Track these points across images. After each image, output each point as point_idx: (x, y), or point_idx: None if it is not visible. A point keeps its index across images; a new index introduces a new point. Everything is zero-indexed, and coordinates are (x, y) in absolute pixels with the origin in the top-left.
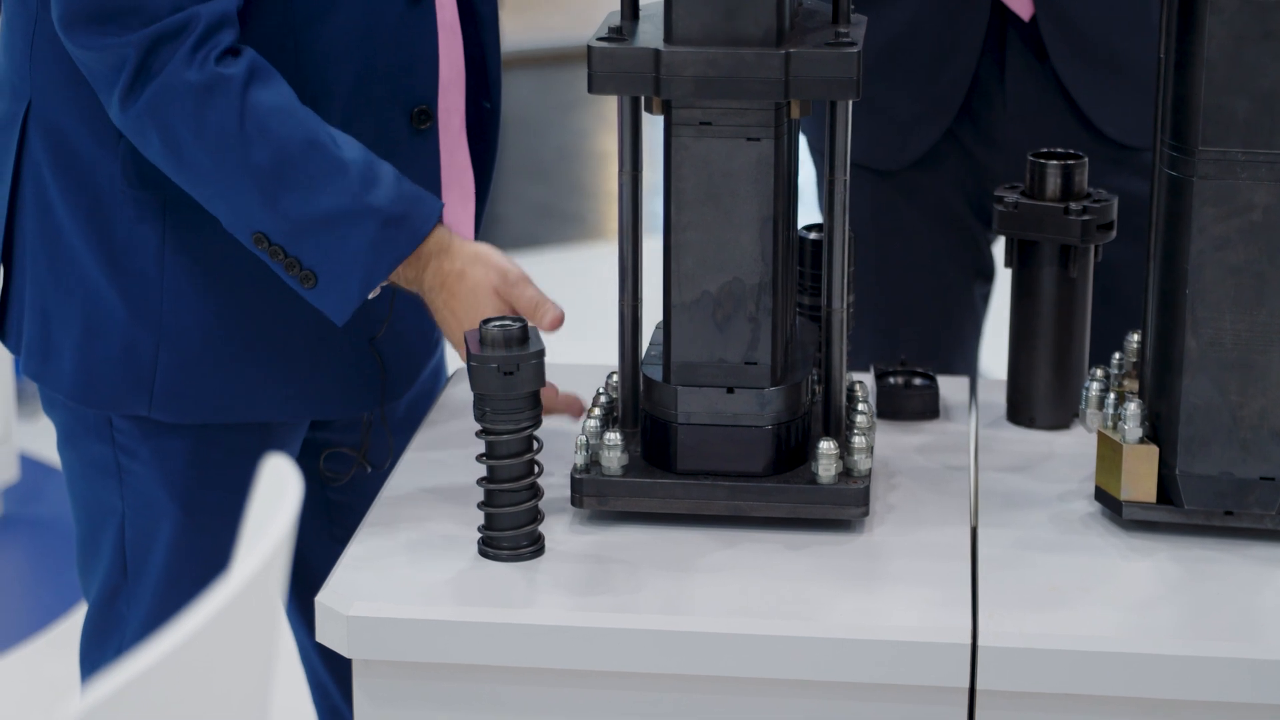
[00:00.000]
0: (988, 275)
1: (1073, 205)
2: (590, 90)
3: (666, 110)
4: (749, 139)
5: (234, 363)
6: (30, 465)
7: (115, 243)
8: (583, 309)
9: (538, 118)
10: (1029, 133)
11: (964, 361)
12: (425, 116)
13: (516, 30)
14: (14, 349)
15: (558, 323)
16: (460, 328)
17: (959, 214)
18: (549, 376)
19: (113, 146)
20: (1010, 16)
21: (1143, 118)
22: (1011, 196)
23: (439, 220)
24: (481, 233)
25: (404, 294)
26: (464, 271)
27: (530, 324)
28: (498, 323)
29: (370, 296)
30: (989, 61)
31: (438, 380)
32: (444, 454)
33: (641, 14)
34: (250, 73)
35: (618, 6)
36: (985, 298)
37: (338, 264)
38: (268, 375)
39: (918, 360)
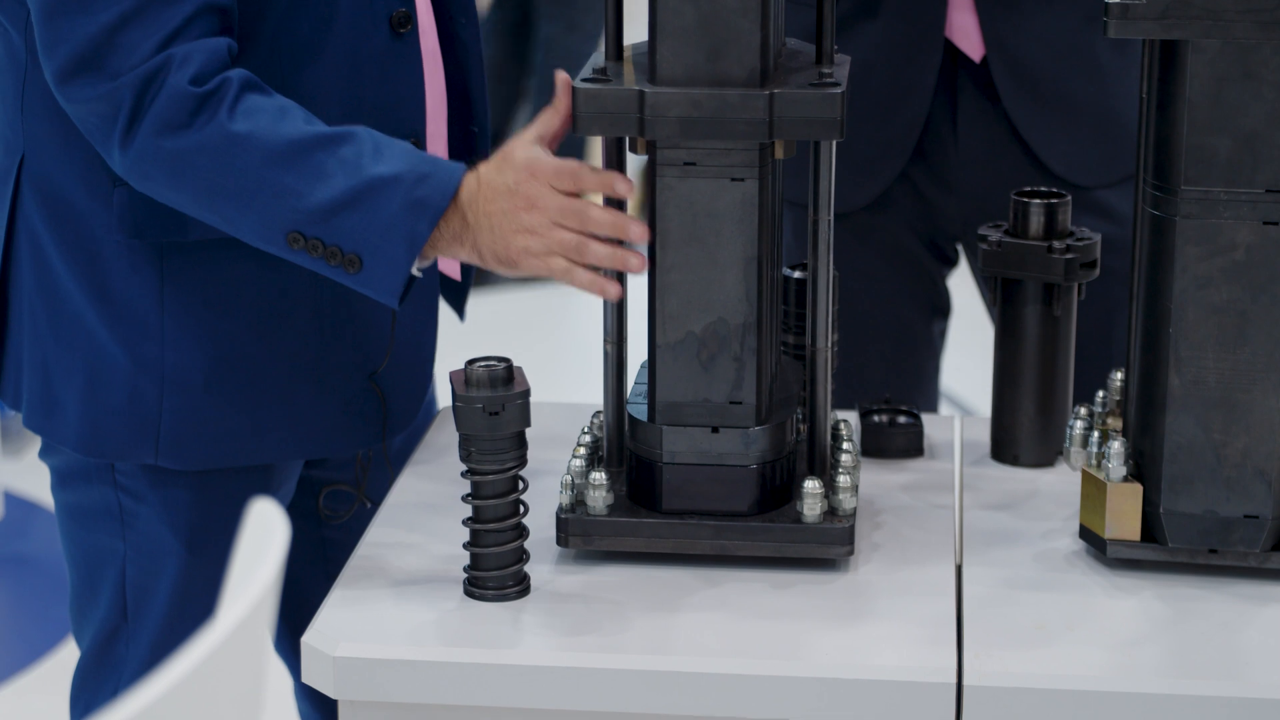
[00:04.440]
0: (944, 312)
1: (1056, 244)
2: (575, 132)
3: (651, 151)
4: (733, 179)
5: (237, 407)
6: (14, 503)
7: (113, 293)
8: (572, 347)
9: None
10: (981, 173)
11: (924, 398)
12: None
13: None
14: (13, 404)
15: (583, 178)
16: (505, 245)
17: (914, 253)
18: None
19: (106, 196)
20: (961, 58)
21: (1093, 157)
22: (995, 235)
23: (467, 171)
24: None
25: (402, 328)
26: (494, 188)
27: (516, 365)
28: (483, 363)
29: (421, 267)
30: (941, 103)
31: (429, 416)
32: (431, 492)
33: (627, 55)
34: (242, 85)
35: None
36: (942, 334)
37: (377, 237)
38: (271, 417)
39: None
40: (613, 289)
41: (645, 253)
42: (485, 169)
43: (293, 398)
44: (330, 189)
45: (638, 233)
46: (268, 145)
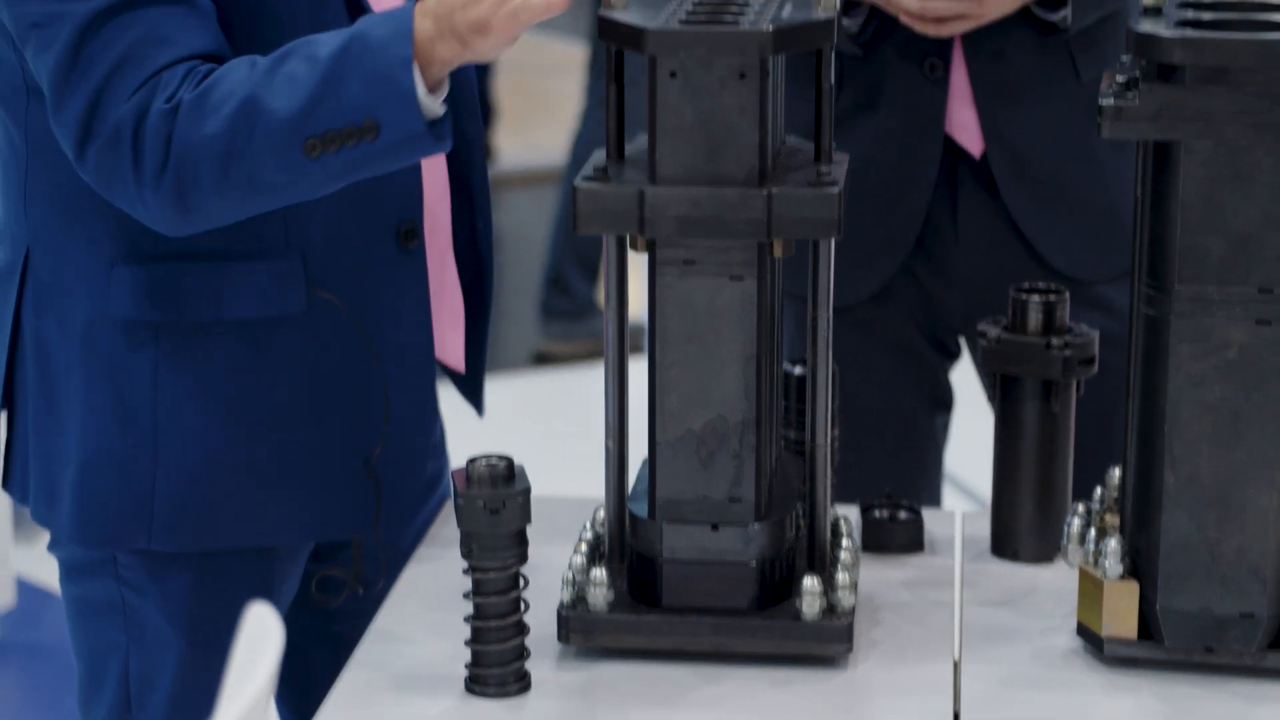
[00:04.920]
0: (946, 405)
1: (1054, 340)
2: (575, 230)
3: (651, 249)
4: (732, 277)
5: (232, 487)
6: (27, 590)
7: (107, 374)
8: (575, 438)
9: (537, 236)
10: (982, 267)
11: (927, 491)
12: (412, 235)
13: (514, 149)
14: (20, 498)
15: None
16: (477, 12)
17: (915, 346)
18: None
19: (105, 276)
20: (961, 153)
21: (1093, 252)
22: (994, 331)
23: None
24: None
25: (398, 414)
26: None
27: (518, 463)
28: (484, 460)
29: (434, 91)
30: (941, 197)
31: (441, 505)
32: (436, 585)
33: (627, 154)
34: (200, 74)
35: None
36: (945, 427)
37: (374, 87)
38: (267, 498)
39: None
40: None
41: None
42: None
43: (289, 478)
44: (307, 85)
45: None
46: (235, 95)
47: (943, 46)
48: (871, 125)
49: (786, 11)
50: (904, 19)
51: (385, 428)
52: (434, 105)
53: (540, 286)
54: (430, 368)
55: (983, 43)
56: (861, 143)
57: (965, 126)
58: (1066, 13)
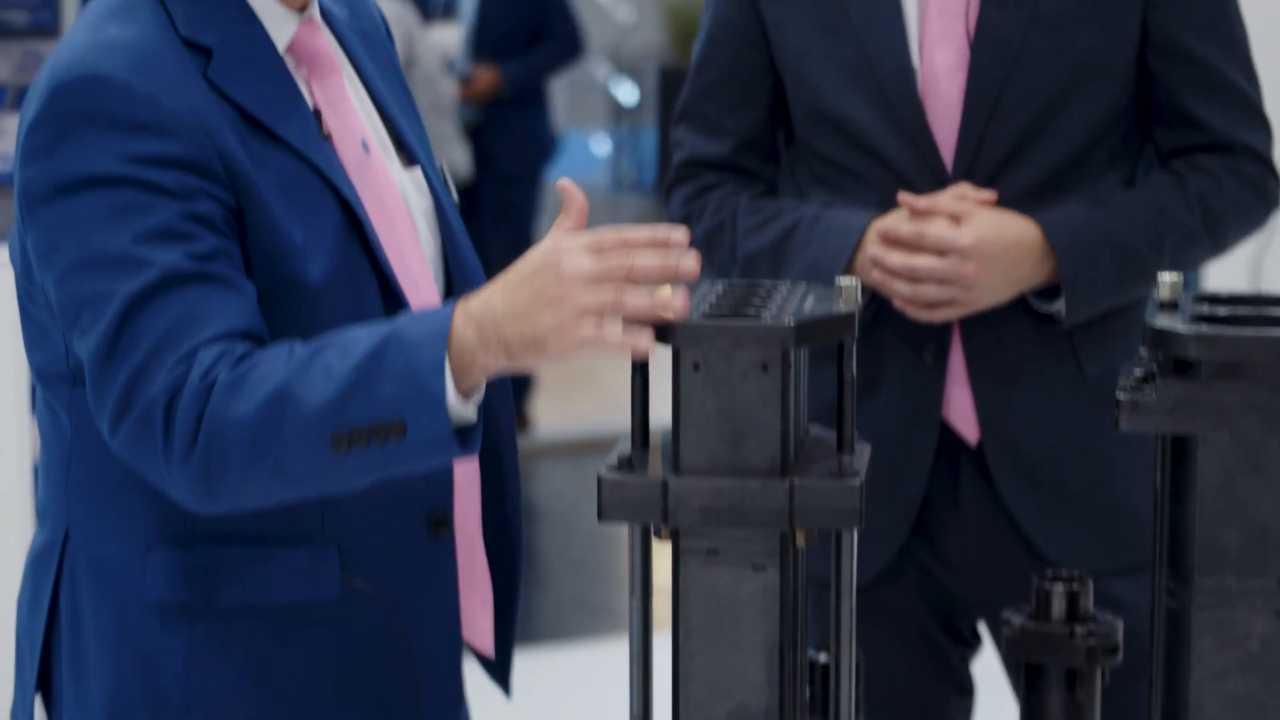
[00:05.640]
0: (966, 690)
1: (1078, 629)
2: (600, 519)
3: (674, 538)
4: (755, 567)
5: None
6: None
7: (140, 657)
8: (607, 713)
9: (570, 508)
10: (983, 555)
11: None
12: (442, 524)
13: (549, 418)
14: None
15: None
16: (531, 327)
17: (928, 631)
18: None
19: (141, 560)
20: (960, 440)
21: (1095, 545)
22: (1017, 619)
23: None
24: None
25: (427, 700)
26: (516, 278)
27: None
28: None
29: (470, 398)
30: (942, 483)
31: None
32: None
33: (651, 442)
34: (240, 356)
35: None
36: (967, 713)
37: (403, 389)
38: None
39: None
40: (644, 341)
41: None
42: (501, 276)
43: None
44: (338, 380)
45: (691, 265)
46: (268, 381)
47: (941, 331)
48: (870, 408)
49: (809, 304)
50: (897, 303)
51: (416, 717)
52: (465, 410)
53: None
54: (458, 656)
55: (981, 329)
56: (860, 425)
57: (963, 413)
58: (1061, 305)
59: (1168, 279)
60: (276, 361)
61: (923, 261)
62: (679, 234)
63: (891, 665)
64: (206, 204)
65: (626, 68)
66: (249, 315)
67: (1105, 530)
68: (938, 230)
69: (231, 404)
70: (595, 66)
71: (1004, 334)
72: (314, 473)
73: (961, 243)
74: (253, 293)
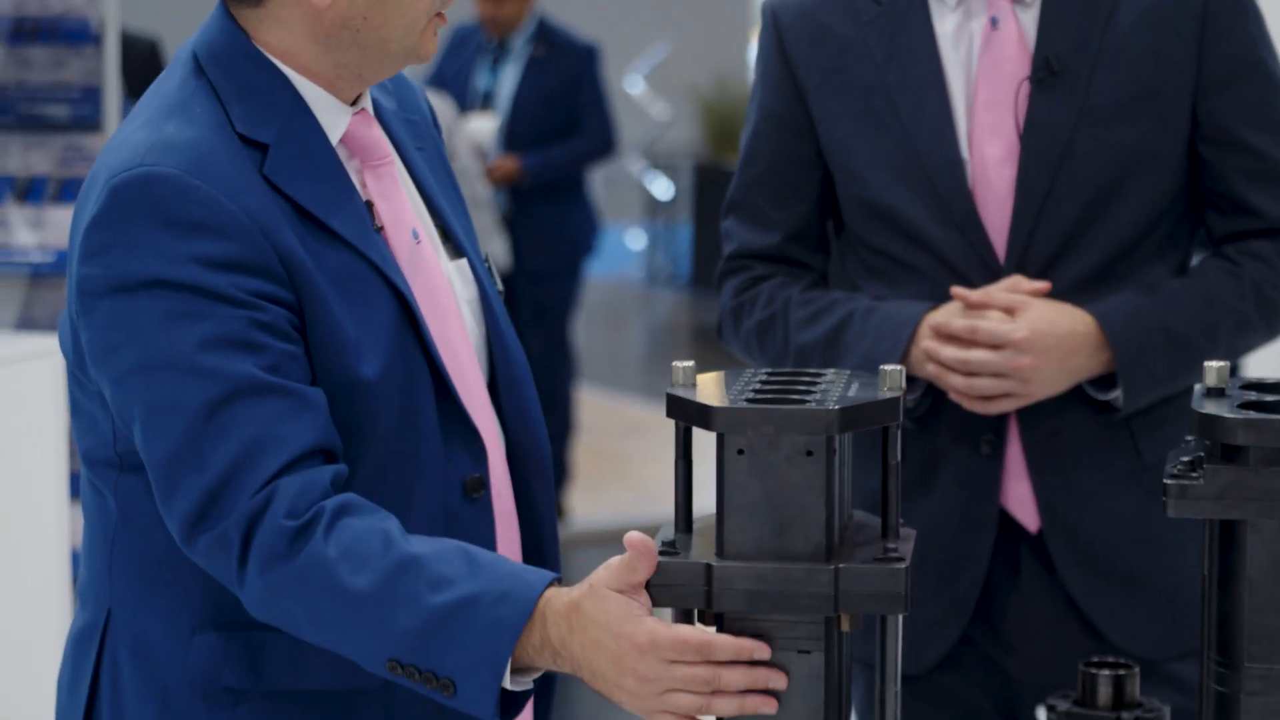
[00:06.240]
0: None
1: (1125, 715)
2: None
3: (719, 622)
4: (800, 651)
5: None
6: None
7: None
8: None
9: None
10: (1046, 641)
11: None
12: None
13: (586, 508)
14: None
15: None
16: (610, 688)
17: (989, 718)
18: None
19: (185, 644)
20: (1020, 527)
21: (1157, 630)
22: (1064, 705)
23: (552, 583)
24: None
25: None
26: (593, 626)
27: None
28: None
29: (517, 688)
30: (1002, 570)
31: None
32: None
33: (695, 526)
34: (336, 512)
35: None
36: None
37: (463, 660)
38: None
39: None
40: (767, 706)
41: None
42: (582, 596)
43: None
44: (417, 615)
45: (780, 684)
46: (359, 575)
47: (998, 422)
48: (927, 499)
49: (854, 390)
50: (953, 396)
51: None
52: (515, 684)
53: None
54: None
55: (1038, 420)
56: (918, 519)
57: (1022, 502)
58: (1119, 393)
59: (1214, 365)
60: (371, 549)
61: (977, 355)
62: (762, 651)
63: None
64: (271, 309)
65: (662, 163)
66: (321, 429)
67: (1167, 615)
68: (992, 325)
69: (312, 575)
70: (631, 162)
71: (1062, 424)
72: (359, 663)
73: (1016, 336)
74: (322, 400)
